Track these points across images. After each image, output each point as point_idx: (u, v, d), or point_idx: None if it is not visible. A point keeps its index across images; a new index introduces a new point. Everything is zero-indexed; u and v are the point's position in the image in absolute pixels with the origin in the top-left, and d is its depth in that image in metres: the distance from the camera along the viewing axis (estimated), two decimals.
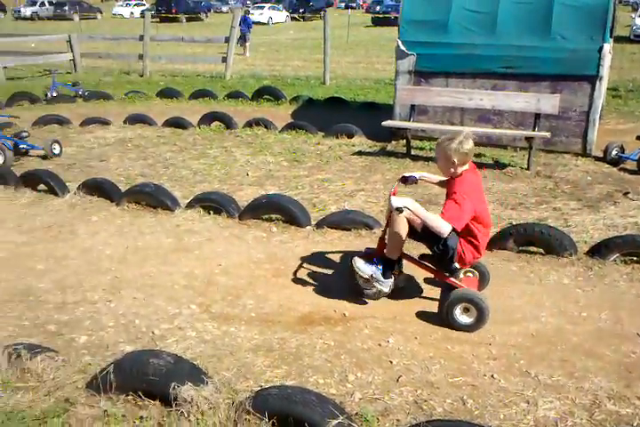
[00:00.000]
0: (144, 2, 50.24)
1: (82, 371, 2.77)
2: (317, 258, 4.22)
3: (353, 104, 10.00)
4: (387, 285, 3.44)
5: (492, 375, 2.81)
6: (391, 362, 2.95)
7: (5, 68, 13.33)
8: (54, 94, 10.76)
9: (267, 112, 9.69)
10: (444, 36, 7.09)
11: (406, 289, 3.73)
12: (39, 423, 2.43)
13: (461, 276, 3.49)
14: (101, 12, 46.35)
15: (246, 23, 19.48)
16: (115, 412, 2.48)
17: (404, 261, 3.67)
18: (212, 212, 5.01)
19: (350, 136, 7.74)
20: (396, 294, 3.57)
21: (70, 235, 4.73)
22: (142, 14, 44.01)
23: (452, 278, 3.37)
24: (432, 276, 3.58)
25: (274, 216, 4.89)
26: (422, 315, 3.43)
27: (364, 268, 3.43)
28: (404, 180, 3.71)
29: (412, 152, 6.92)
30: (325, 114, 9.24)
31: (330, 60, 12.66)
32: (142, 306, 3.60)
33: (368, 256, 3.53)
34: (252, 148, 7.46)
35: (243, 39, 19.24)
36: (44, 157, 7.04)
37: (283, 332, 3.28)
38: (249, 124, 8.49)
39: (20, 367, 2.72)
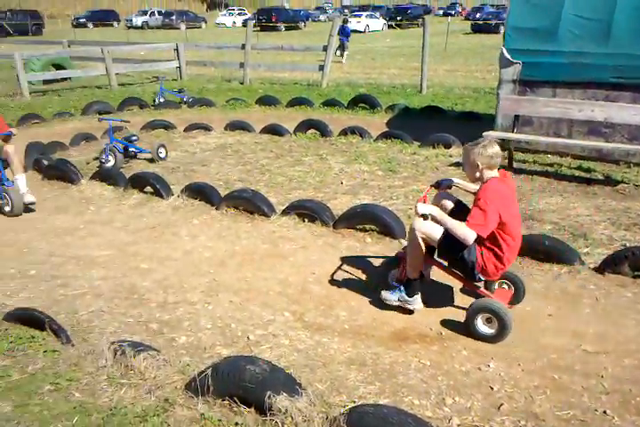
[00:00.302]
0: (246, 12, 52.09)
1: (181, 372, 2.84)
2: None
3: (450, 113, 9.77)
4: (416, 302, 3.51)
5: (605, 412, 2.60)
6: (492, 388, 2.81)
7: (117, 74, 14.20)
8: (161, 100, 11.33)
9: (362, 120, 9.68)
10: (553, 43, 6.76)
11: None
12: (140, 421, 2.51)
13: (496, 287, 3.53)
14: (206, 22, 48.51)
15: (345, 32, 19.70)
16: (211, 416, 2.52)
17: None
18: (306, 219, 5.04)
19: (447, 146, 7.56)
20: None
21: (173, 236, 4.93)
22: (244, 23, 45.84)
23: (482, 289, 3.39)
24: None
25: (368, 226, 4.84)
26: (526, 339, 3.25)
27: (389, 297, 3.56)
28: (438, 184, 3.67)
29: (515, 165, 6.64)
30: (422, 123, 9.09)
31: (427, 68, 12.40)
32: (238, 310, 3.66)
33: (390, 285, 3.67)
34: (347, 156, 7.46)
35: (341, 48, 19.44)
36: (151, 161, 7.41)
37: (376, 346, 3.22)
38: (344, 133, 8.51)
39: (124, 364, 2.83)
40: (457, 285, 3.82)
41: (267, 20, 39.76)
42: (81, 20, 46.62)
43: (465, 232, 3.09)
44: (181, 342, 3.30)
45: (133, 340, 3.08)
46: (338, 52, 19.90)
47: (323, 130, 8.60)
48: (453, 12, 60.92)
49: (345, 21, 21.70)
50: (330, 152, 7.69)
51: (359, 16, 40.51)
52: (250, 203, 5.20)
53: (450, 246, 3.25)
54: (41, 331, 3.20)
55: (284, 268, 4.27)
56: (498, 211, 3.09)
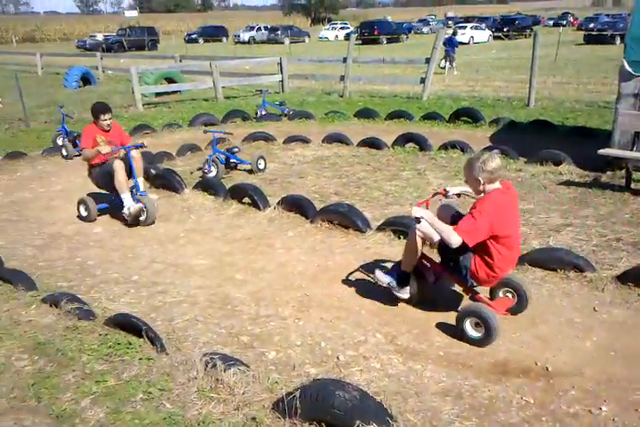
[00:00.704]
0: (349, 25, 52.75)
1: (269, 390, 2.79)
2: None
3: (561, 128, 9.22)
4: (403, 292, 3.73)
5: None
6: None
7: (223, 87, 14.77)
8: (263, 113, 11.62)
9: (463, 134, 9.36)
10: None
11: None
12: None
13: (500, 295, 3.64)
14: (309, 36, 49.63)
15: (452, 44, 19.64)
16: None
17: None
18: (402, 236, 4.88)
19: (557, 163, 7.10)
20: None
21: (267, 248, 4.95)
22: (346, 37, 46.43)
23: (479, 295, 3.51)
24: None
25: None
26: None
27: (382, 278, 3.82)
28: (446, 192, 3.79)
29: (633, 185, 6.11)
30: (528, 138, 8.65)
31: (536, 81, 11.84)
32: (329, 328, 3.58)
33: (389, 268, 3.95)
34: (447, 171, 7.21)
35: (448, 59, 19.58)
36: (250, 172, 7.56)
37: (474, 378, 3.01)
38: (444, 147, 8.26)
39: (214, 377, 2.83)
40: (570, 317, 3.51)
41: (369, 33, 40.01)
42: (192, 36, 49.27)
43: (450, 236, 3.21)
44: (271, 358, 3.26)
45: (225, 353, 3.08)
46: (442, 63, 19.71)
47: (422, 144, 8.40)
48: (565, 23, 58.36)
49: (455, 33, 21.63)
50: (428, 167, 7.48)
51: (464, 28, 39.72)
52: (345, 217, 5.12)
53: (445, 249, 3.41)
54: (138, 338, 3.28)
55: (377, 287, 4.11)
56: (490, 222, 3.18)
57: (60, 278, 4.40)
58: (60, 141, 8.93)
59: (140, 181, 5.78)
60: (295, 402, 2.47)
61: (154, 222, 5.61)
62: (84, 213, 5.78)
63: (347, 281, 4.26)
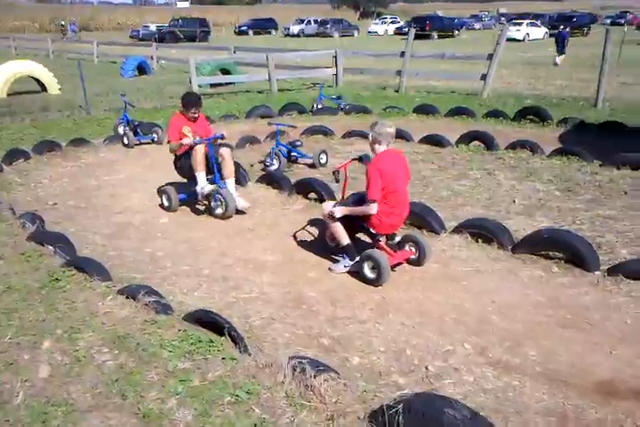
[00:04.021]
0: (399, 20, 52.07)
1: (361, 399, 2.64)
2: (613, 312, 3.60)
3: (634, 131, 8.75)
4: (352, 260, 4.25)
5: None
6: None
7: (277, 80, 14.67)
8: (320, 106, 11.46)
9: (530, 134, 9.01)
10: None
11: None
12: None
13: (407, 248, 4.35)
14: (358, 30, 49.19)
15: (563, 37, 21.28)
16: None
17: None
18: (480, 240, 4.67)
19: (636, 168, 6.73)
20: None
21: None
22: (396, 32, 45.81)
23: (382, 244, 4.27)
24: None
25: (553, 253, 4.35)
26: None
27: (337, 268, 4.32)
28: (359, 159, 4.64)
29: None
30: (600, 140, 8.25)
31: (606, 81, 11.32)
32: (412, 335, 3.41)
33: (335, 255, 4.50)
34: (517, 172, 6.92)
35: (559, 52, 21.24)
36: (311, 166, 7.42)
37: (577, 398, 2.80)
38: (512, 146, 7.95)
39: (303, 383, 2.69)
40: None
41: (421, 28, 39.31)
42: (243, 28, 49.48)
43: (365, 210, 4.05)
44: (355, 364, 3.12)
45: (310, 357, 2.93)
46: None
47: (488, 143, 8.10)
48: (623, 21, 56.21)
49: (565, 27, 23.00)
50: (497, 167, 7.19)
51: (519, 24, 38.69)
52: (419, 217, 4.93)
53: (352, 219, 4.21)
54: (219, 336, 3.17)
55: (457, 292, 3.94)
56: (379, 180, 3.94)
57: (132, 269, 4.35)
58: (121, 130, 8.97)
59: (230, 183, 5.54)
60: (397, 417, 2.31)
61: (232, 216, 5.45)
62: (166, 203, 5.74)
63: (424, 285, 4.07)
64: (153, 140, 8.81)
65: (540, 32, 38.50)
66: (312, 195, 5.95)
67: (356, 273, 4.22)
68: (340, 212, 4.17)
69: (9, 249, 4.46)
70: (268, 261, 4.57)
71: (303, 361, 2.78)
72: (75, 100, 12.67)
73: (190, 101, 5.58)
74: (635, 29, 44.27)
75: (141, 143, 8.73)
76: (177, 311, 3.55)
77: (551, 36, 39.32)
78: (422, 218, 4.90)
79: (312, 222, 5.33)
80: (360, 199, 4.26)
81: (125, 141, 8.53)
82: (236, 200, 5.43)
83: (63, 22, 42.54)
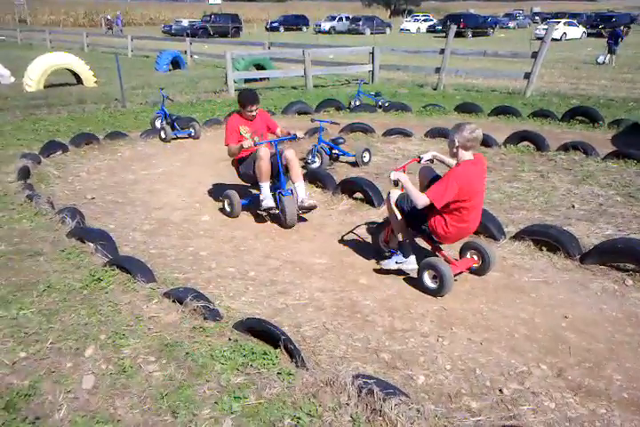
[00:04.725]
0: (432, 17, 51.40)
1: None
2: None
3: None
4: (411, 263, 3.98)
5: None
6: None
7: (313, 76, 14.42)
8: (357, 103, 11.18)
9: (579, 135, 8.61)
10: None
11: None
12: None
13: (468, 256, 4.07)
14: (390, 27, 48.67)
15: (617, 35, 20.56)
16: None
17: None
18: (544, 248, 4.35)
19: None
20: None
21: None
22: (429, 29, 45.23)
23: (442, 251, 4.01)
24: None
25: (624, 265, 4.02)
26: None
27: (388, 264, 4.05)
28: (420, 159, 4.16)
29: None
30: None
31: None
32: (480, 352, 3.12)
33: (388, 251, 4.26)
34: (572, 175, 6.55)
35: (611, 51, 20.60)
36: (354, 164, 7.16)
37: None
38: (564, 148, 7.57)
39: (370, 407, 2.44)
40: None
41: (455, 26, 38.68)
42: (274, 25, 49.32)
43: (417, 198, 3.65)
44: (420, 383, 2.85)
45: (377, 376, 2.68)
46: (601, 58, 20.71)
47: (539, 143, 7.72)
48: None
49: (619, 26, 22.22)
50: (550, 169, 6.83)
51: (556, 23, 37.75)
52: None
53: (413, 214, 3.86)
54: (274, 348, 2.94)
55: (525, 305, 3.64)
56: (457, 189, 3.54)
57: (175, 269, 4.14)
58: (158, 124, 8.82)
59: (300, 186, 5.07)
60: None
61: (294, 225, 5.06)
62: (227, 209, 5.35)
63: (487, 296, 3.78)
64: (190, 135, 8.63)
65: (577, 31, 37.55)
66: (358, 195, 5.68)
67: (412, 281, 3.95)
68: (399, 177, 3.79)
69: (49, 245, 4.29)
70: (315, 265, 4.32)
71: (370, 381, 2.53)
72: (111, 93, 12.61)
73: (247, 99, 5.11)
74: None
75: (178, 138, 8.56)
76: (225, 317, 3.33)
77: (589, 35, 38.53)
78: (481, 223, 4.58)
79: (360, 225, 5.07)
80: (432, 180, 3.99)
81: (163, 135, 8.37)
82: (304, 201, 4.99)
83: (110, 16, 42.85)
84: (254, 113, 5.16)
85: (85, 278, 3.74)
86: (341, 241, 4.76)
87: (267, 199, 4.98)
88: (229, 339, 3.06)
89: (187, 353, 2.92)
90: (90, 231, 4.42)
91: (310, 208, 5.04)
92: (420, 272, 3.82)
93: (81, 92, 12.98)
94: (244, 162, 5.22)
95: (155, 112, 9.30)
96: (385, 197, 4.20)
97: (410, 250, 4.00)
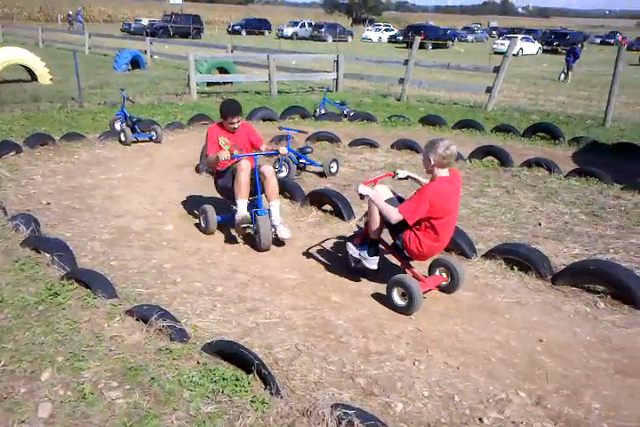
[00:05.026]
0: (392, 28, 52.08)
1: None
2: None
3: None
4: (373, 262, 4.00)
5: None
6: None
7: (277, 81, 14.27)
8: (323, 111, 11.10)
9: (541, 151, 8.78)
10: None
11: None
12: None
13: (437, 273, 4.03)
14: (352, 36, 49.01)
15: (575, 54, 20.78)
16: None
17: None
18: (516, 267, 4.34)
19: None
20: None
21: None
22: (390, 39, 45.79)
23: (413, 268, 3.93)
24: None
25: (594, 286, 4.04)
26: None
27: (353, 248, 4.07)
28: (395, 175, 4.14)
29: None
30: (616, 162, 8.01)
31: (615, 100, 11.16)
32: (458, 377, 3.05)
33: (358, 239, 4.13)
34: (537, 192, 6.63)
35: (568, 69, 20.96)
36: (321, 175, 7.05)
37: None
38: (527, 164, 7.66)
39: None
40: None
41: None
42: (236, 27, 48.92)
43: (389, 212, 3.65)
44: (399, 411, 2.75)
45: (355, 406, 2.55)
46: (562, 75, 21.25)
47: (503, 159, 7.80)
48: (612, 41, 57.04)
49: (578, 42, 22.73)
50: (515, 185, 6.89)
51: (513, 38, 38.83)
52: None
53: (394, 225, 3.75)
54: (246, 373, 2.78)
55: (500, 327, 3.60)
56: (430, 206, 3.51)
57: (138, 283, 3.92)
58: (118, 126, 8.51)
59: (275, 207, 4.74)
60: None
61: (269, 248, 4.68)
62: (202, 224, 5.01)
63: (461, 316, 3.72)
64: (151, 139, 8.36)
65: (533, 47, 38.70)
66: (327, 207, 5.58)
67: (385, 299, 3.86)
68: (368, 192, 3.80)
69: (0, 255, 4.00)
70: (285, 280, 4.18)
71: (349, 412, 2.40)
72: (67, 91, 12.13)
73: (229, 110, 4.77)
74: (626, 50, 44.79)
75: (139, 141, 8.27)
76: (192, 338, 3.15)
77: (544, 51, 39.79)
78: (452, 240, 4.53)
79: (329, 239, 4.96)
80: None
81: (122, 138, 8.07)
82: (277, 229, 4.69)
83: (71, 12, 41.58)
84: (236, 125, 4.84)
85: (41, 293, 3.49)
86: (311, 255, 4.64)
87: (242, 215, 4.62)
88: (198, 362, 2.89)
89: (152, 378, 2.73)
90: (46, 241, 4.15)
91: (281, 239, 4.74)
92: (389, 289, 3.77)
93: (35, 90, 12.45)
94: (222, 175, 4.92)
95: (114, 113, 8.97)
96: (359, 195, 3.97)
97: (376, 251, 4.02)
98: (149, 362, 2.87)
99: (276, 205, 4.76)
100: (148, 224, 5.19)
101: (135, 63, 18.09)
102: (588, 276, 3.96)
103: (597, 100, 15.62)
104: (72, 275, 3.63)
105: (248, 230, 4.82)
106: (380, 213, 3.80)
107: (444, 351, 3.30)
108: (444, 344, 3.38)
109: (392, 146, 8.71)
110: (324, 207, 5.61)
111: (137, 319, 3.21)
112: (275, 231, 4.69)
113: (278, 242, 4.85)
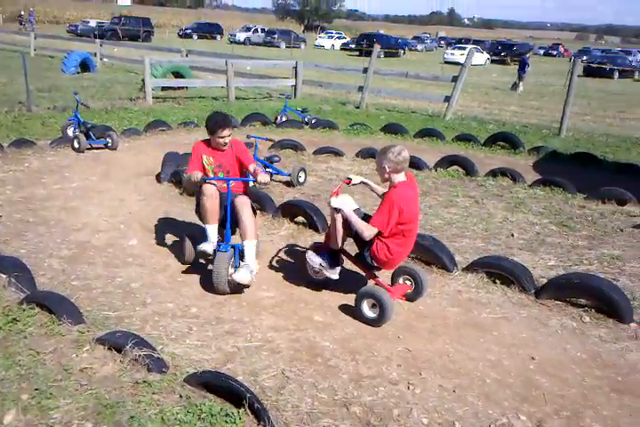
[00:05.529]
0: (345, 35, 52.46)
1: None
2: None
3: (607, 164, 8.75)
4: (334, 272, 3.93)
5: None
6: None
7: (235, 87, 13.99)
8: (284, 119, 10.91)
9: (502, 161, 8.87)
10: None
11: None
12: None
13: (400, 282, 3.98)
14: (305, 43, 49.04)
15: (523, 63, 21.68)
16: None
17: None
18: (498, 281, 4.27)
19: (621, 203, 6.60)
20: None
21: (336, 283, 4.24)
22: (343, 47, 46.10)
23: (378, 278, 3.84)
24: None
25: (578, 300, 4.00)
26: None
27: (314, 258, 3.95)
28: (350, 182, 4.03)
29: None
30: (575, 171, 8.17)
31: (570, 110, 11.44)
32: (455, 402, 2.91)
33: (318, 249, 4.03)
34: (505, 202, 6.63)
35: (520, 79, 21.76)
36: (288, 184, 6.86)
37: None
38: (492, 174, 7.70)
39: None
40: None
41: (368, 45, 39.57)
42: (187, 31, 48.16)
43: (363, 228, 3.59)
44: None
45: None
46: (520, 87, 21.72)
47: (468, 168, 7.82)
48: (555, 53, 59.29)
49: (525, 53, 23.38)
50: (482, 195, 6.89)
51: (462, 49, 39.73)
52: (429, 253, 4.47)
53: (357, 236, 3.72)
54: (235, 406, 2.55)
55: (490, 344, 3.49)
56: (399, 213, 3.50)
57: (104, 306, 3.62)
58: (70, 132, 8.07)
59: (249, 247, 3.91)
60: None
61: (223, 294, 3.91)
62: (180, 255, 4.43)
63: (449, 334, 3.59)
64: (106, 145, 7.96)
65: (482, 58, 39.62)
66: (299, 218, 5.39)
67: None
68: (341, 206, 3.73)
69: None
70: (263, 299, 3.96)
71: None
72: (13, 94, 11.53)
73: (215, 122, 4.05)
74: (569, 61, 46.65)
75: (93, 148, 7.87)
76: (171, 368, 2.90)
77: (492, 62, 40.87)
78: (433, 253, 4.45)
79: (304, 253, 4.77)
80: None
81: (76, 145, 7.64)
82: (236, 270, 3.87)
83: (23, 13, 39.89)
84: (227, 140, 4.10)
85: None
86: (287, 271, 4.43)
87: (205, 243, 3.98)
88: (181, 396, 2.64)
89: (132, 417, 2.47)
90: (1, 260, 3.79)
91: (241, 284, 3.89)
92: (358, 301, 3.67)
93: None
94: (197, 197, 4.14)
95: (67, 118, 8.51)
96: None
97: (338, 262, 3.97)
98: (127, 398, 2.60)
99: (250, 245, 3.93)
100: (109, 239, 4.86)
101: (84, 66, 17.41)
102: (571, 289, 3.92)
103: (548, 110, 16.07)
104: (32, 298, 3.31)
105: (209, 257, 4.17)
106: (345, 225, 3.77)
107: (438, 373, 3.16)
108: (437, 365, 3.24)
109: (357, 154, 8.61)
110: (296, 219, 5.42)
111: (109, 348, 2.93)
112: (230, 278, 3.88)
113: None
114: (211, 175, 4.18)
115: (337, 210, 3.75)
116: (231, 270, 3.91)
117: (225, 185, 4.04)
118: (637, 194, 6.73)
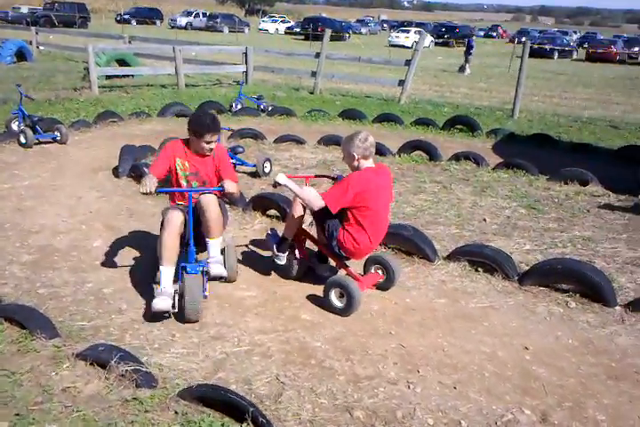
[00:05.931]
0: (289, 19, 51.78)
1: None
2: None
3: (563, 144, 8.93)
4: (281, 258, 3.92)
5: None
6: None
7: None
8: (239, 106, 10.61)
9: (462, 144, 8.93)
10: None
11: None
12: None
13: (372, 271, 3.92)
14: (249, 27, 48.10)
15: (469, 46, 21.83)
16: None
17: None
18: (480, 269, 4.24)
19: (583, 183, 6.72)
20: None
21: (314, 278, 4.10)
22: (287, 31, 45.47)
23: (349, 268, 3.77)
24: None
25: (563, 286, 4.02)
26: None
27: (269, 239, 3.96)
28: (326, 176, 4.30)
29: None
30: (534, 153, 8.29)
31: (522, 92, 11.60)
32: (457, 399, 2.84)
33: (274, 231, 4.04)
34: (471, 186, 6.64)
35: (466, 61, 22.04)
36: (254, 175, 6.66)
37: None
38: (455, 158, 7.71)
39: None
40: None
41: (313, 29, 39.17)
42: (125, 17, 46.35)
43: (311, 201, 3.47)
44: None
45: None
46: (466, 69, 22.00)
47: (431, 153, 7.80)
48: (495, 34, 60.42)
49: (471, 35, 23.42)
50: (448, 180, 6.88)
51: (407, 32, 39.90)
52: (410, 243, 4.39)
53: (320, 215, 3.60)
54: (236, 421, 2.40)
55: (483, 336, 3.45)
56: (354, 193, 3.40)
57: (77, 315, 3.38)
58: (15, 126, 7.59)
59: (214, 246, 3.53)
60: None
61: (196, 320, 3.38)
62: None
63: (441, 327, 3.53)
64: (55, 139, 7.54)
65: (426, 41, 39.84)
66: (272, 212, 5.22)
67: (359, 315, 3.59)
68: (286, 182, 3.60)
69: None
70: (246, 299, 3.79)
71: None
72: None
73: (202, 125, 3.50)
74: (505, 42, 47.71)
75: (41, 142, 7.43)
76: (161, 381, 2.71)
77: (437, 44, 41.22)
78: (414, 244, 4.37)
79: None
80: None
81: (23, 140, 7.19)
82: (208, 266, 3.52)
83: None
84: (212, 145, 3.60)
85: None
86: (266, 267, 4.26)
87: (160, 296, 3.26)
88: (176, 412, 2.47)
89: None
90: None
91: (217, 277, 3.61)
92: (326, 291, 3.63)
93: None
94: (161, 223, 3.60)
95: (10, 112, 7.98)
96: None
97: (286, 249, 3.91)
98: (117, 418, 2.41)
99: (214, 244, 3.54)
100: (72, 240, 4.57)
101: (20, 55, 16.47)
102: (555, 275, 3.92)
103: (497, 92, 16.33)
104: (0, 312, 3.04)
105: (164, 313, 3.42)
106: (300, 207, 3.71)
107: (435, 369, 3.09)
108: (433, 361, 3.17)
109: (319, 142, 8.46)
110: (268, 212, 5.25)
111: (91, 364, 2.71)
112: (204, 292, 3.49)
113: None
114: (183, 184, 3.66)
115: (276, 184, 3.66)
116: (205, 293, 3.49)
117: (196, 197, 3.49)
118: (597, 174, 6.87)
